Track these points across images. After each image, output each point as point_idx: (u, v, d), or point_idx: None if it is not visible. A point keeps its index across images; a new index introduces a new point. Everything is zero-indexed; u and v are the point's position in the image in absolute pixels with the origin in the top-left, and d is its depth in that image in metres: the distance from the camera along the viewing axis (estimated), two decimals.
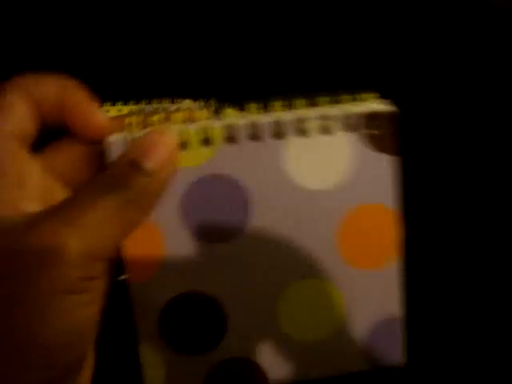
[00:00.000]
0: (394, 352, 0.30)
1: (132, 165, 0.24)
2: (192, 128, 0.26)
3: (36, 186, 0.25)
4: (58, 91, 0.25)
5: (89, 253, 0.23)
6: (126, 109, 0.30)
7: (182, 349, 0.28)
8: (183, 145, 0.26)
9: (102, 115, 0.26)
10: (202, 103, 0.27)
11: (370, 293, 0.29)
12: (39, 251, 0.22)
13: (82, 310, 0.24)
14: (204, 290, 0.28)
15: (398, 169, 0.28)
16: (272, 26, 0.37)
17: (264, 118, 0.26)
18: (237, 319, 0.28)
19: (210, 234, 0.27)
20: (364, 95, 0.27)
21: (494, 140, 0.41)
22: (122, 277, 0.28)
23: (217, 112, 0.27)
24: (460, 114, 0.40)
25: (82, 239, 0.23)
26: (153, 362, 0.28)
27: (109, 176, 0.24)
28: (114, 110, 0.30)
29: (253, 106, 0.26)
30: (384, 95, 0.27)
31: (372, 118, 0.27)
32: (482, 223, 0.42)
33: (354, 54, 0.26)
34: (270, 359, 0.29)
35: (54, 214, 0.23)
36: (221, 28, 0.38)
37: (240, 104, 0.27)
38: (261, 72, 0.28)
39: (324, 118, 0.27)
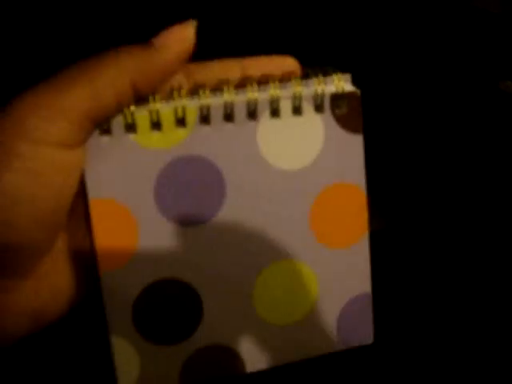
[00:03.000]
0: (366, 329, 0.30)
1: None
2: (166, 108, 0.26)
3: None
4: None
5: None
6: None
7: (157, 339, 0.27)
8: (157, 125, 0.26)
9: None
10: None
11: (341, 271, 0.29)
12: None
13: (66, 171, 0.24)
14: (179, 276, 0.27)
15: (363, 148, 0.29)
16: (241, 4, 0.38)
17: (238, 99, 0.27)
18: (212, 305, 0.28)
19: (185, 217, 0.27)
20: (332, 75, 0.28)
21: (452, 116, 0.44)
22: None
23: (191, 91, 0.26)
24: (420, 95, 0.42)
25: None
26: (126, 355, 0.27)
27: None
28: None
29: (226, 85, 0.26)
30: (349, 73, 0.28)
31: (337, 99, 0.28)
32: (444, 199, 0.43)
33: (321, 33, 0.27)
34: (246, 345, 0.29)
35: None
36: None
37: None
38: (232, 51, 0.28)
39: (294, 98, 0.27)
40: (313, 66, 0.28)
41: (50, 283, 0.25)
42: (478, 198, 0.44)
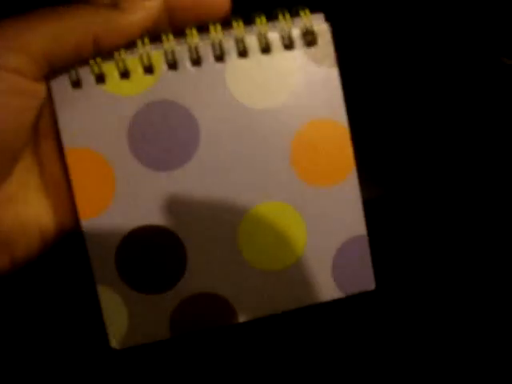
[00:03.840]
0: (365, 275, 0.29)
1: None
2: (132, 56, 0.27)
3: None
4: None
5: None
6: None
7: (142, 287, 0.27)
8: (126, 74, 0.27)
9: None
10: None
11: (330, 212, 0.28)
12: None
13: (26, 95, 0.25)
14: (159, 223, 0.27)
15: (340, 82, 0.28)
16: None
17: (203, 42, 0.27)
18: (196, 252, 0.28)
19: (161, 162, 0.27)
20: (299, 12, 0.28)
21: (429, 48, 0.41)
22: None
23: (155, 39, 0.27)
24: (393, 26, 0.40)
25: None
26: (113, 304, 0.27)
27: None
28: None
29: (191, 30, 0.27)
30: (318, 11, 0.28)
31: (306, 35, 0.27)
32: (441, 165, 0.41)
33: None
34: (236, 293, 0.28)
35: None
36: None
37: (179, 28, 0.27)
38: None
39: (262, 37, 0.27)
40: (283, 7, 0.28)
41: (17, 212, 0.26)
42: (477, 165, 0.41)
